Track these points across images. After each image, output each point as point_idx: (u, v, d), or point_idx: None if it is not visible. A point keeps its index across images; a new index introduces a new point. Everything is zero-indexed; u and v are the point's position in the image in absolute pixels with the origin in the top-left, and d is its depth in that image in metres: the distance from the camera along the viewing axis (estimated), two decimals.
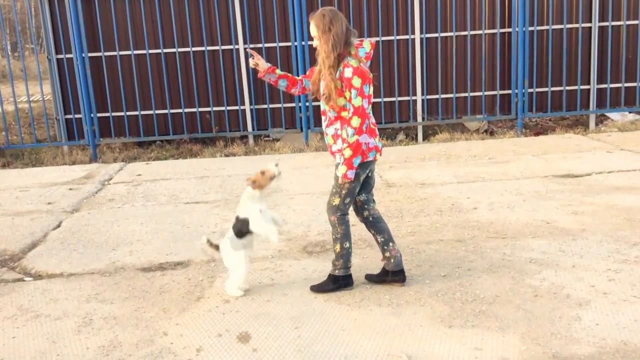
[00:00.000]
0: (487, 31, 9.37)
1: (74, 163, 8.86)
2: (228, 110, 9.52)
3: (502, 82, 9.55)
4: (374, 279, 4.02)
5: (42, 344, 3.46)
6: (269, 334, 3.43)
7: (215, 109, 9.51)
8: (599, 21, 9.36)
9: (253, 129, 9.59)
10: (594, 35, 9.39)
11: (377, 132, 3.79)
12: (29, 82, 9.56)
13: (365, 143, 3.64)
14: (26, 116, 11.60)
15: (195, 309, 3.80)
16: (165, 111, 9.47)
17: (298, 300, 3.84)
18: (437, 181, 6.59)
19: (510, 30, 9.32)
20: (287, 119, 9.58)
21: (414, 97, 9.48)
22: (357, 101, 3.55)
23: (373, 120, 3.76)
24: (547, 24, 9.35)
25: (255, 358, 3.17)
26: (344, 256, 3.87)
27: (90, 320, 3.72)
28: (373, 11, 9.24)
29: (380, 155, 3.82)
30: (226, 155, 8.90)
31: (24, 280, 4.44)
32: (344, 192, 3.74)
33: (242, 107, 9.51)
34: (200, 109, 9.50)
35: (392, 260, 3.93)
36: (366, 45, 3.68)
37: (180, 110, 9.48)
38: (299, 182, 6.92)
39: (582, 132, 9.16)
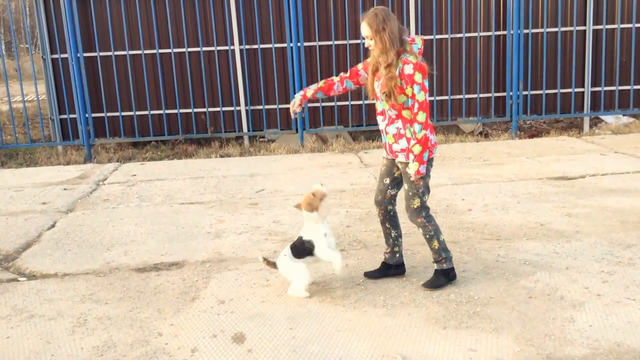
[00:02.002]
0: (482, 33, 9.40)
1: (68, 163, 8.83)
2: (223, 111, 9.52)
3: (496, 85, 9.58)
4: (376, 275, 4.11)
5: (36, 344, 3.45)
6: (264, 334, 3.43)
7: (210, 109, 9.51)
8: (593, 24, 9.41)
9: (248, 130, 9.59)
10: (588, 39, 9.44)
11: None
12: (23, 82, 9.53)
13: (429, 139, 3.69)
14: (20, 116, 11.55)
15: (190, 310, 3.80)
16: (161, 111, 9.46)
17: (293, 301, 3.84)
18: (432, 182, 6.57)
19: (505, 32, 9.36)
20: (282, 119, 9.58)
21: None
22: (420, 96, 3.57)
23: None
24: (542, 27, 9.39)
25: (250, 359, 3.17)
26: (445, 249, 3.90)
27: (84, 321, 3.72)
28: None
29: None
30: (221, 156, 8.90)
31: (18, 280, 4.42)
32: (420, 190, 3.80)
33: (237, 108, 9.51)
34: (196, 110, 9.49)
35: (396, 255, 4.10)
36: (418, 41, 3.69)
37: (175, 111, 9.47)
38: (294, 183, 6.93)
39: (576, 134, 9.20)
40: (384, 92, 3.66)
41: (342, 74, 4.02)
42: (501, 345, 3.18)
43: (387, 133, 3.81)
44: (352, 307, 3.72)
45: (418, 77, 3.55)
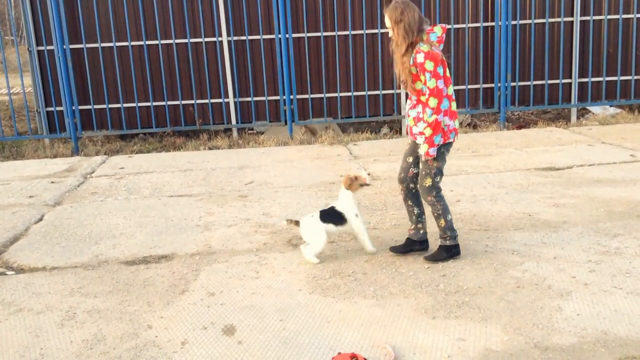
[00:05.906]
0: (470, 25, 9.41)
1: (55, 156, 8.76)
2: (211, 103, 9.47)
3: (485, 76, 9.61)
4: (401, 250, 4.33)
5: (25, 338, 3.43)
6: (254, 326, 3.43)
7: (198, 101, 9.46)
8: (581, 15, 9.46)
9: (237, 122, 9.55)
10: (575, 30, 9.49)
11: (457, 115, 4.07)
12: (9, 74, 9.43)
13: (445, 125, 3.90)
14: (7, 109, 11.45)
15: (179, 302, 3.79)
16: (148, 104, 9.40)
17: (283, 292, 3.85)
18: None
19: (493, 24, 9.38)
20: (271, 112, 9.56)
21: (397, 91, 9.51)
22: (431, 83, 3.80)
23: (454, 103, 3.96)
24: (530, 18, 9.42)
25: (240, 350, 3.18)
26: (450, 228, 4.15)
27: (73, 314, 3.70)
28: (357, 4, 9.23)
29: (457, 137, 4.05)
30: (210, 149, 8.86)
31: (6, 274, 4.39)
32: (433, 171, 4.03)
33: (225, 100, 9.46)
34: (184, 102, 9.44)
35: (420, 231, 4.34)
36: (437, 30, 3.91)
37: (163, 103, 9.41)
38: (283, 175, 6.92)
39: (564, 125, 9.26)
40: (402, 80, 3.92)
41: None
42: (490, 335, 3.21)
43: (409, 116, 4.05)
44: (342, 298, 3.73)
45: (429, 65, 3.77)
